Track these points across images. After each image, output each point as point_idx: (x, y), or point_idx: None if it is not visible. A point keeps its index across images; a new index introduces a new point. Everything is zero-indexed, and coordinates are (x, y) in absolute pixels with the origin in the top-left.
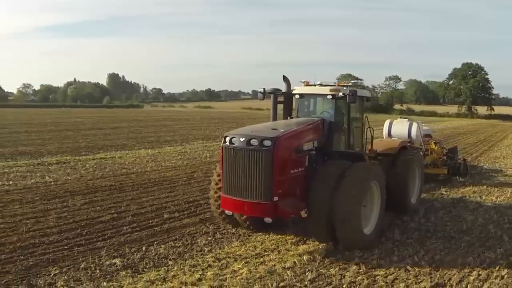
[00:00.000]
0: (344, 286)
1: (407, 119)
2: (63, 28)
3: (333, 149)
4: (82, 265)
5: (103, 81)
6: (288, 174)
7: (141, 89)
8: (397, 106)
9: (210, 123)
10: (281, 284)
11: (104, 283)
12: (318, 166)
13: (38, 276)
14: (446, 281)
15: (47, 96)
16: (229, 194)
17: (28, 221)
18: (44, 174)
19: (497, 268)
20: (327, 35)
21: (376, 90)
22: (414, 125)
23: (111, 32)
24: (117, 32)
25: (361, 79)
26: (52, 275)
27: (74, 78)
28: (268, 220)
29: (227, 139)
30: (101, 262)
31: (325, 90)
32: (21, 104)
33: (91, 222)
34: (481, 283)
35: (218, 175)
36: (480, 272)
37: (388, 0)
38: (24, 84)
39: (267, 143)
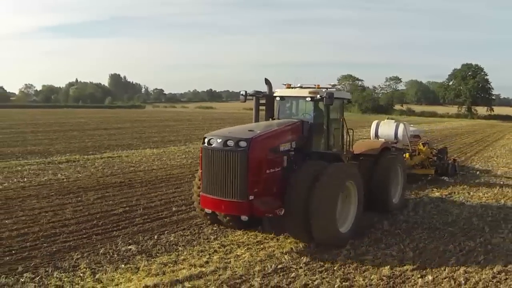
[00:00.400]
0: (335, 267)
1: (393, 120)
2: (63, 29)
3: (312, 150)
4: (101, 251)
5: (105, 81)
6: (263, 174)
7: (143, 89)
8: (397, 107)
9: (213, 124)
10: (279, 266)
11: (122, 265)
12: (296, 166)
13: (62, 260)
14: (427, 265)
15: (49, 97)
16: (207, 193)
17: (47, 214)
18: (56, 171)
19: (474, 255)
20: (328, 35)
21: (376, 91)
22: (401, 126)
23: (112, 33)
24: (118, 33)
25: (361, 80)
26: (75, 259)
27: (76, 79)
28: (244, 218)
29: (206, 140)
30: (118, 248)
31: (304, 93)
32: (24, 105)
33: (105, 214)
34: (458, 267)
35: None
36: (459, 258)
37: (388, 0)
38: (26, 84)
39: (243, 144)
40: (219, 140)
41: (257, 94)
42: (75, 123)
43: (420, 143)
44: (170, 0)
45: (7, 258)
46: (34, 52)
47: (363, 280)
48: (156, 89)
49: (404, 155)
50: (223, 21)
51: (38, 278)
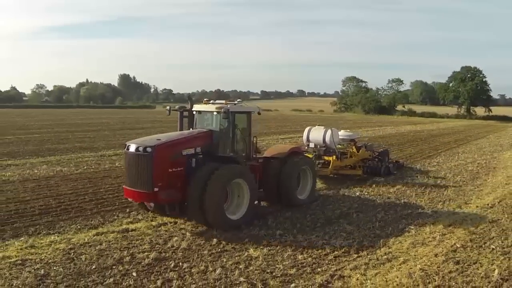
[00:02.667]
0: (299, 209)
1: (323, 127)
2: (74, 29)
3: (218, 154)
4: None
5: (115, 81)
6: (166, 172)
7: (152, 89)
8: (399, 107)
9: None
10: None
11: None
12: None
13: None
14: (362, 211)
15: (60, 97)
16: (127, 186)
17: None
18: (112, 162)
19: (395, 207)
20: (336, 36)
21: (379, 92)
22: (328, 132)
23: (122, 33)
24: (127, 33)
25: (365, 81)
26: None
27: (86, 79)
28: (151, 205)
29: (126, 146)
30: None
31: (213, 108)
32: (37, 105)
33: None
34: (382, 212)
35: None
36: (384, 208)
37: (395, 1)
38: (37, 84)
39: (149, 149)
40: (133, 146)
41: (180, 109)
42: (100, 124)
43: (353, 147)
44: (179, 1)
45: (115, 207)
46: (45, 53)
47: (322, 215)
48: (165, 89)
49: (331, 158)
50: (232, 21)
51: (137, 214)
